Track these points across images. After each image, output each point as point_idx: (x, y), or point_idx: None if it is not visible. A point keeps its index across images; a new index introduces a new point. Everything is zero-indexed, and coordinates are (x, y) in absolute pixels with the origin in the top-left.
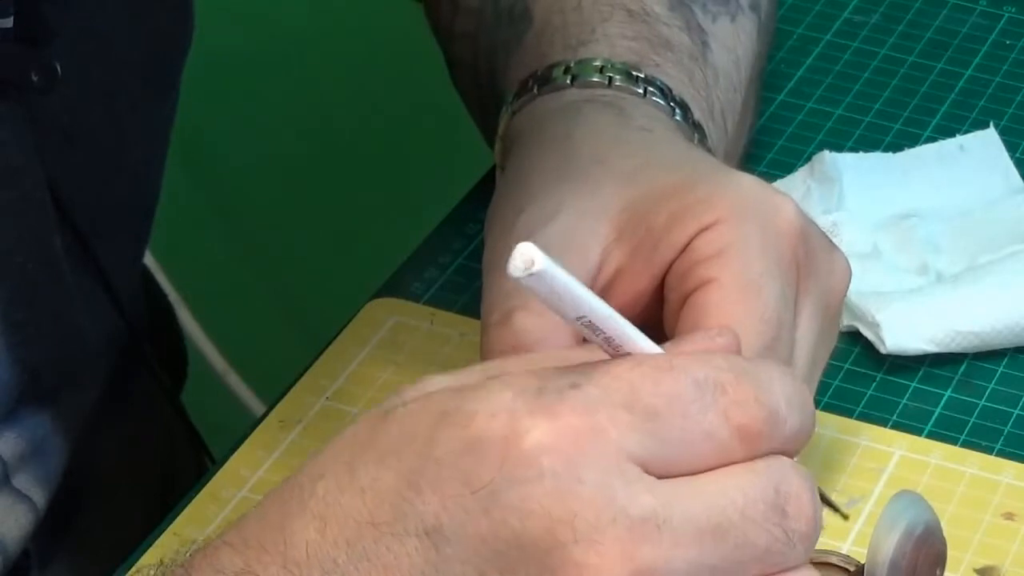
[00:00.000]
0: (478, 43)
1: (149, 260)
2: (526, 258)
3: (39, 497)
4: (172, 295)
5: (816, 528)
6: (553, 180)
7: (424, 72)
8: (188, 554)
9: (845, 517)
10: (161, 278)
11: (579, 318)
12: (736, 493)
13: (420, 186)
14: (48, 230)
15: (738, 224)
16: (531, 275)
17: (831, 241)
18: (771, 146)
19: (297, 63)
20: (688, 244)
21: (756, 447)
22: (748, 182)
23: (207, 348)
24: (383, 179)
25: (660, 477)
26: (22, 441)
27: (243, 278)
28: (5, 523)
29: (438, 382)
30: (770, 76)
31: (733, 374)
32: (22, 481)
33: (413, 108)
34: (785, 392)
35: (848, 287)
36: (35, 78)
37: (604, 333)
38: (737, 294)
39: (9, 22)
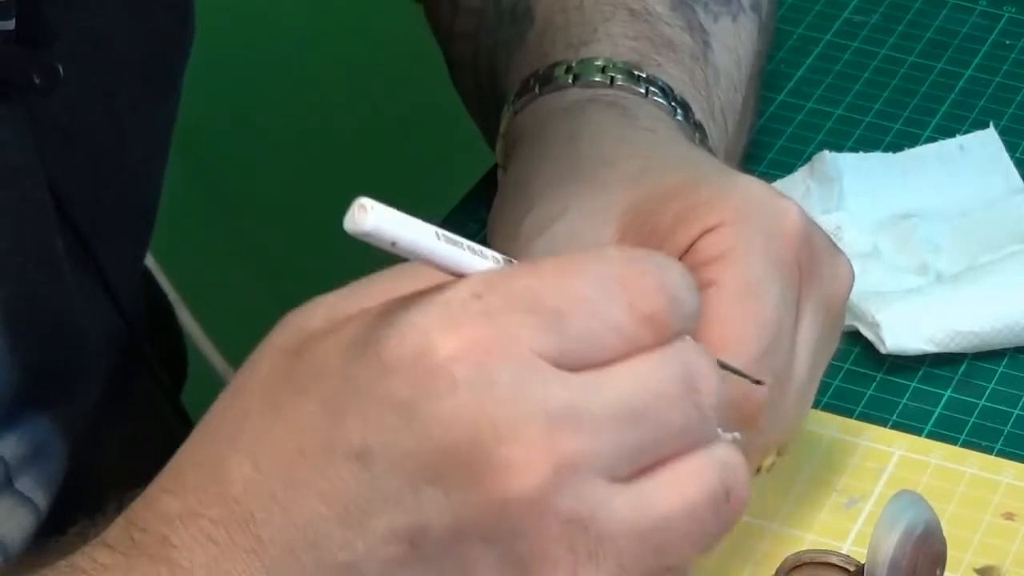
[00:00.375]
0: (479, 43)
1: (149, 260)
2: (358, 205)
3: (41, 499)
4: (172, 295)
5: (720, 399)
6: (558, 181)
7: (424, 72)
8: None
9: (758, 382)
10: (161, 278)
11: (438, 235)
12: (648, 377)
13: (420, 186)
14: (49, 231)
15: (741, 227)
16: (372, 210)
17: (835, 245)
18: (771, 146)
19: (297, 63)
20: (692, 245)
21: (664, 334)
22: (752, 184)
23: (207, 348)
24: (383, 179)
25: (572, 372)
26: (23, 443)
27: (243, 278)
28: (7, 525)
29: (325, 305)
30: (770, 76)
31: (631, 265)
32: (24, 484)
33: (413, 108)
34: (683, 277)
35: (851, 291)
36: (36, 80)
37: (465, 242)
38: (737, 297)
39: (10, 24)
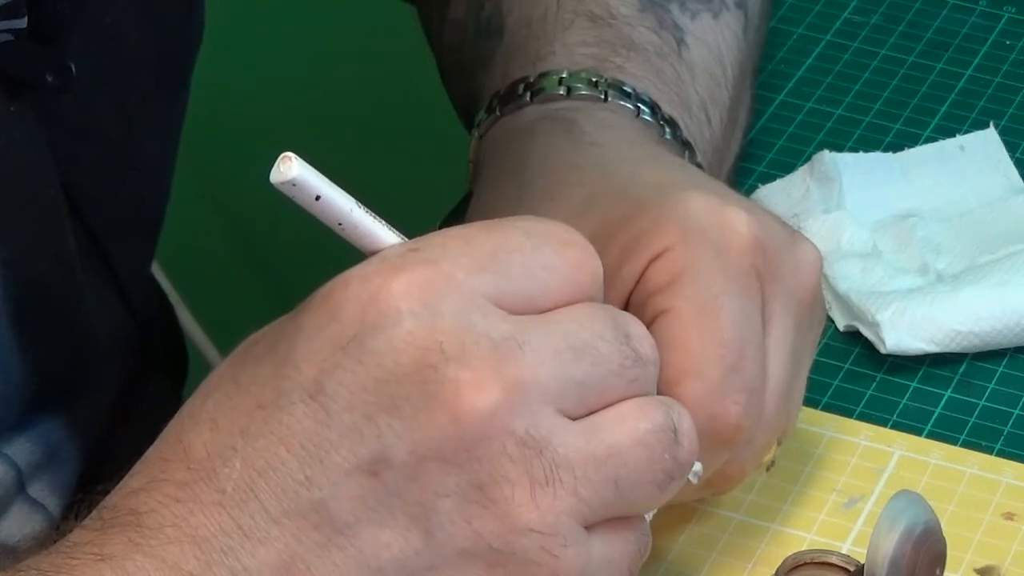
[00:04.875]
0: (463, 54)
1: None
2: (282, 157)
3: (53, 505)
4: (172, 295)
5: (656, 352)
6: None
7: (424, 74)
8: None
9: None
10: (161, 278)
11: (358, 203)
12: (583, 319)
13: (420, 187)
14: (61, 229)
15: (688, 249)
16: (296, 160)
17: (793, 235)
18: (771, 146)
19: (298, 62)
20: (641, 275)
21: (593, 277)
22: (695, 201)
23: (207, 348)
24: (382, 180)
25: (512, 314)
26: (37, 449)
27: (243, 278)
28: (19, 532)
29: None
30: (770, 76)
31: (553, 222)
32: (37, 490)
33: (413, 109)
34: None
35: (819, 274)
36: (49, 78)
37: (380, 219)
38: (693, 321)
39: (23, 22)
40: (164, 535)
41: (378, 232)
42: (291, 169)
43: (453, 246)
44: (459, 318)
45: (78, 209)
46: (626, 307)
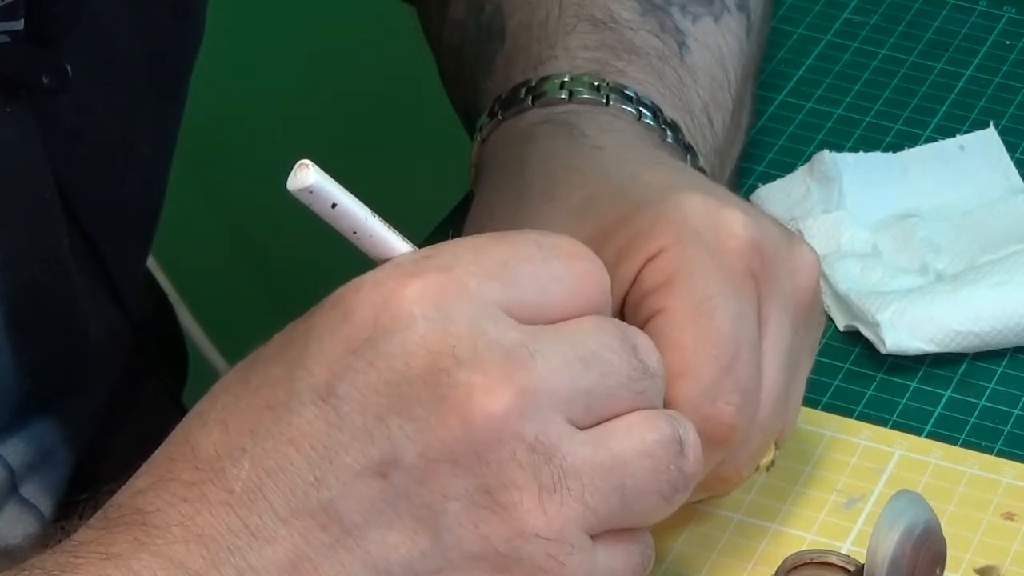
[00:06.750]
0: (463, 55)
1: (149, 260)
2: (299, 164)
3: (46, 506)
4: (172, 295)
5: (662, 365)
6: (507, 220)
7: (424, 73)
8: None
9: None
10: (161, 278)
11: (372, 212)
12: (592, 330)
13: (420, 187)
14: (57, 231)
15: (683, 249)
16: (313, 167)
17: (791, 238)
18: (771, 146)
19: (297, 63)
20: (637, 276)
21: (601, 289)
22: (692, 203)
23: (207, 348)
24: (382, 179)
25: (521, 323)
26: (30, 449)
27: (243, 278)
28: (11, 533)
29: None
30: (770, 76)
31: (562, 236)
32: (29, 490)
33: (413, 108)
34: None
35: (817, 277)
36: (45, 79)
37: (385, 222)
38: (687, 321)
39: (19, 24)
40: (170, 534)
41: (391, 241)
42: (308, 176)
43: (465, 254)
44: (471, 324)
45: (73, 210)
46: (622, 307)
